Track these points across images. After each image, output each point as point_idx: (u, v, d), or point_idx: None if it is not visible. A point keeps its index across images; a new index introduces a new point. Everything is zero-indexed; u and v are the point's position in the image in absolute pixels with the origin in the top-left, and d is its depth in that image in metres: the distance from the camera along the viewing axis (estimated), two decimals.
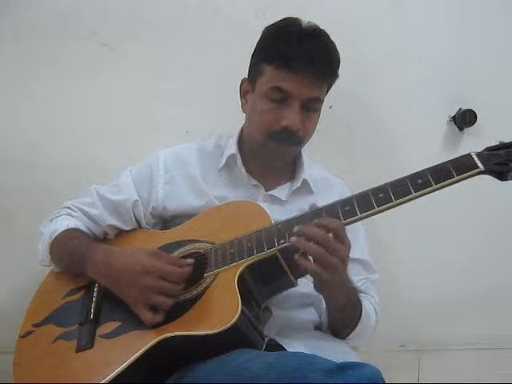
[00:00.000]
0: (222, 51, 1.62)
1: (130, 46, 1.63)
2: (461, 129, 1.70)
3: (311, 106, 1.25)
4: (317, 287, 1.11)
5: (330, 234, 1.04)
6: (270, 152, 1.28)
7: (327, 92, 1.31)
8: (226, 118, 1.46)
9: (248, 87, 1.32)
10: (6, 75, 1.61)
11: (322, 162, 1.47)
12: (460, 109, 1.69)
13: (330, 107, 1.59)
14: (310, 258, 1.05)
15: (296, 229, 1.06)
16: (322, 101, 1.28)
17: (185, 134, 1.63)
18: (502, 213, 1.72)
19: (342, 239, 1.05)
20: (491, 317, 1.73)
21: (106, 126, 1.63)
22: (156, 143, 1.55)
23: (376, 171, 1.64)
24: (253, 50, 1.31)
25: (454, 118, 1.70)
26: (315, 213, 1.10)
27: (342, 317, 1.21)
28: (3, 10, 1.59)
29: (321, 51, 1.22)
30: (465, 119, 1.67)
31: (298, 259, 1.05)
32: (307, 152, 1.41)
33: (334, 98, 1.51)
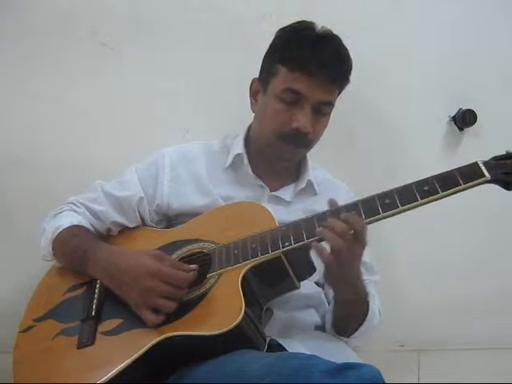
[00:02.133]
0: (222, 51, 1.62)
1: (130, 45, 1.62)
2: (461, 129, 1.70)
3: (322, 110, 1.26)
4: (327, 279, 1.13)
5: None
6: (278, 152, 1.29)
7: (338, 95, 1.32)
8: (226, 117, 1.46)
9: (259, 87, 1.33)
10: (6, 75, 1.61)
11: (322, 163, 1.47)
12: (460, 109, 1.69)
13: None
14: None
15: (327, 222, 1.06)
16: (333, 105, 1.30)
17: (185, 133, 1.63)
18: (502, 213, 1.71)
19: (361, 239, 1.05)
20: (491, 317, 1.73)
21: (106, 125, 1.63)
22: (156, 143, 1.55)
23: (376, 171, 1.65)
24: (266, 51, 1.31)
25: (454, 118, 1.70)
26: (320, 216, 1.10)
27: (349, 312, 1.22)
28: (3, 10, 1.59)
29: (334, 56, 1.24)
30: (465, 119, 1.66)
31: (316, 246, 1.05)
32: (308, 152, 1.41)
33: None
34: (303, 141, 1.27)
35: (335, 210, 1.10)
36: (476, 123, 1.66)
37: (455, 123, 1.70)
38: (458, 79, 1.70)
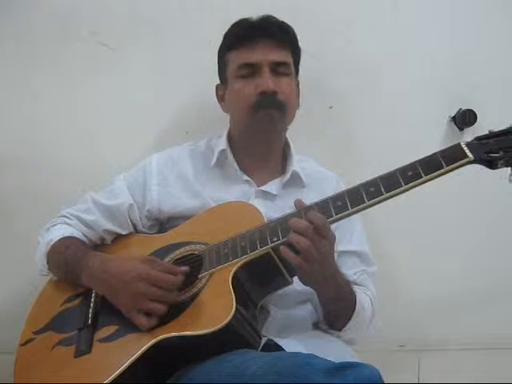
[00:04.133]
0: None
1: (130, 45, 1.63)
2: (461, 129, 1.70)
3: (279, 70, 1.30)
4: (301, 279, 1.13)
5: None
6: (258, 126, 1.29)
7: (296, 64, 1.35)
8: (226, 117, 1.46)
9: (222, 89, 1.38)
10: (7, 75, 1.61)
11: (322, 162, 1.47)
12: (460, 109, 1.69)
13: (330, 107, 1.60)
14: None
15: (289, 222, 1.07)
16: (291, 66, 1.33)
17: (185, 134, 1.63)
18: (501, 213, 1.72)
19: (324, 235, 1.05)
20: (491, 316, 1.73)
21: (106, 125, 1.63)
22: (156, 143, 1.55)
23: (376, 171, 1.64)
24: (217, 58, 1.37)
25: (453, 118, 1.70)
26: (307, 209, 1.10)
27: (335, 309, 1.22)
28: (4, 10, 1.59)
29: (273, 23, 1.32)
30: (465, 119, 1.66)
31: (283, 249, 1.06)
32: (307, 151, 1.41)
33: (334, 98, 1.51)
34: (274, 101, 1.28)
35: (321, 203, 1.10)
36: (476, 123, 1.66)
37: (455, 123, 1.70)
38: (458, 79, 1.70)
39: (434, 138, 1.71)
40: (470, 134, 1.70)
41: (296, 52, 1.36)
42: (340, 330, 1.24)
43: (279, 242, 1.09)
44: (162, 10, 1.63)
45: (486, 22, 1.70)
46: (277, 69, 1.29)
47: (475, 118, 1.66)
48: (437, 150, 1.66)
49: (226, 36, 1.36)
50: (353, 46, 1.60)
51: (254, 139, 1.33)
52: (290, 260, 1.06)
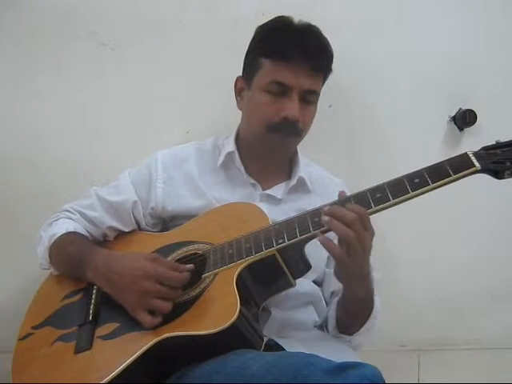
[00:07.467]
0: (222, 51, 1.62)
1: (130, 46, 1.62)
2: (461, 129, 1.70)
3: (308, 98, 1.28)
4: (339, 275, 1.11)
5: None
6: (270, 145, 1.29)
7: (322, 85, 1.33)
8: (226, 118, 1.46)
9: (243, 84, 1.34)
10: (7, 75, 1.61)
11: (322, 162, 1.48)
12: (460, 109, 1.69)
13: (330, 106, 1.60)
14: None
15: (327, 208, 1.05)
16: (319, 94, 1.31)
17: (185, 134, 1.63)
18: (502, 213, 1.72)
19: (367, 227, 1.04)
20: (491, 317, 1.73)
21: (106, 126, 1.63)
22: (156, 143, 1.55)
23: (376, 171, 1.64)
24: (247, 48, 1.33)
25: (453, 118, 1.70)
26: (313, 213, 1.10)
27: (357, 309, 1.20)
28: (4, 10, 1.59)
29: (316, 45, 1.26)
30: (465, 119, 1.66)
31: (322, 240, 1.03)
32: (307, 152, 1.41)
33: (334, 97, 1.51)
34: (293, 129, 1.27)
35: (333, 204, 1.09)
36: (476, 123, 1.66)
37: (455, 123, 1.70)
38: (457, 79, 1.69)
39: (434, 138, 1.71)
40: (469, 134, 1.70)
41: (327, 76, 1.34)
42: (352, 334, 1.23)
43: (284, 244, 1.09)
44: (162, 10, 1.63)
45: (485, 22, 1.70)
46: (306, 96, 1.27)
47: (475, 118, 1.66)
48: (436, 151, 1.71)
49: (265, 38, 1.30)
50: (353, 45, 1.60)
51: (264, 153, 1.33)
52: (332, 252, 1.03)
